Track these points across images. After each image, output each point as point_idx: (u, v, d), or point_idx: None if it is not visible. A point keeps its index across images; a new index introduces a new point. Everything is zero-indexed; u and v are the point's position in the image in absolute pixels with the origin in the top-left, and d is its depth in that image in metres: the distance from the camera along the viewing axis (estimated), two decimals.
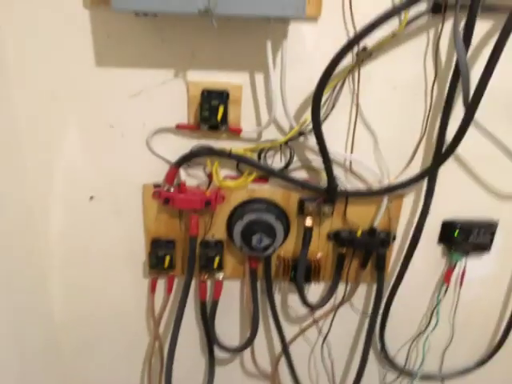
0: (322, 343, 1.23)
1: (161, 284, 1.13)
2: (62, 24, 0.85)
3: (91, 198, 1.01)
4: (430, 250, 1.15)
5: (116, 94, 0.92)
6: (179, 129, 0.95)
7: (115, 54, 0.88)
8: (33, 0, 0.83)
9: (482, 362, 1.32)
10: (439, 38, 0.90)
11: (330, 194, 0.99)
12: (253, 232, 0.98)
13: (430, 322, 1.22)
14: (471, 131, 0.92)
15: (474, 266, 1.17)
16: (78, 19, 0.85)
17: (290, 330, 1.22)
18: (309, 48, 0.90)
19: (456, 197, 1.09)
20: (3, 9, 0.83)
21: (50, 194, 1.01)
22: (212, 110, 0.89)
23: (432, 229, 1.12)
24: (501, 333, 1.26)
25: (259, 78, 0.92)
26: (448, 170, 1.04)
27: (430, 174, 0.99)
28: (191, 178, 1.01)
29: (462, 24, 0.85)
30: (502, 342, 1.26)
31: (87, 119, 0.94)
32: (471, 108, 0.84)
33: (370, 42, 0.89)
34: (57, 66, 0.89)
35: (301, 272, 1.04)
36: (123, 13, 0.76)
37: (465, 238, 1.10)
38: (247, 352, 1.24)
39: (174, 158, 0.97)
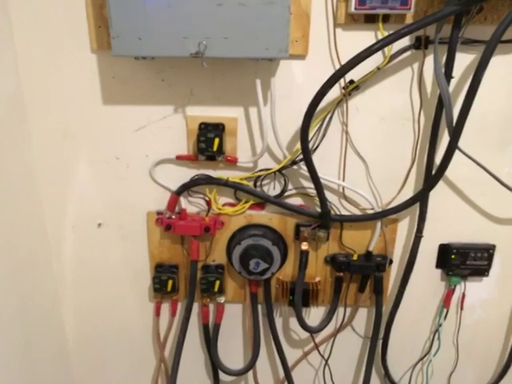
0: (324, 367, 1.24)
1: (166, 307, 1.18)
2: (72, 67, 0.94)
3: (99, 225, 1.08)
4: (428, 274, 1.16)
5: (121, 129, 1.00)
6: (179, 159, 1.01)
7: (120, 93, 0.97)
8: (46, 46, 0.92)
9: None
10: (422, 70, 0.94)
11: (324, 220, 1.03)
12: (250, 257, 1.02)
13: (431, 346, 1.23)
14: (462, 158, 0.96)
15: (474, 290, 1.18)
16: (86, 63, 0.94)
17: (293, 354, 1.25)
18: (299, 83, 0.96)
19: (453, 222, 1.11)
20: (23, 58, 0.93)
21: (63, 223, 1.09)
22: (208, 142, 0.95)
23: (430, 253, 1.14)
24: (506, 356, 1.24)
25: (253, 111, 0.99)
26: (443, 196, 1.07)
27: (421, 198, 1.02)
28: (192, 205, 1.07)
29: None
30: (508, 365, 1.25)
31: (95, 152, 1.02)
32: (455, 135, 0.88)
33: (356, 75, 0.94)
34: (68, 105, 0.97)
35: (298, 295, 1.07)
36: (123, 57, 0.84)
37: (462, 262, 1.12)
38: (251, 375, 1.27)
39: (175, 186, 1.03)
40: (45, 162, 1.02)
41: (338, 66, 0.92)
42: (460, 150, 0.94)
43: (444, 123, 0.94)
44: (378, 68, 0.93)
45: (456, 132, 0.88)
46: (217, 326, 1.17)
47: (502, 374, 1.27)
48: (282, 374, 1.25)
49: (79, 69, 0.94)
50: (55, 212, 1.07)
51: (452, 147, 0.90)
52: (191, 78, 0.95)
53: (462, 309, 1.19)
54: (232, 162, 1.01)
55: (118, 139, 1.01)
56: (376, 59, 0.92)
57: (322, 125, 0.99)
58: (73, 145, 1.01)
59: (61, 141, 1.00)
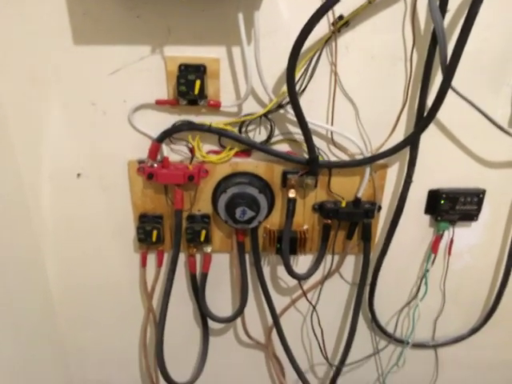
0: (312, 313, 1.25)
1: (152, 258, 1.16)
2: (37, 3, 0.86)
3: (78, 175, 1.04)
4: (417, 220, 1.15)
5: (95, 71, 0.93)
6: (159, 104, 0.95)
7: (92, 32, 0.89)
8: None
9: (475, 330, 1.33)
10: (415, 4, 0.88)
11: (312, 166, 1.00)
12: (236, 205, 0.99)
13: (418, 291, 1.24)
14: (455, 100, 0.92)
15: (463, 235, 1.18)
16: None
17: (281, 301, 1.25)
18: (284, 18, 0.89)
19: (442, 166, 1.09)
20: None
21: (39, 174, 1.04)
22: (189, 85, 0.89)
23: (419, 199, 1.12)
24: (492, 300, 1.26)
25: (236, 52, 0.92)
26: (433, 140, 1.04)
27: (411, 141, 0.99)
28: (175, 153, 1.02)
29: None
30: (494, 309, 1.27)
31: (69, 98, 0.96)
32: (449, 71, 0.83)
33: (345, 10, 0.88)
34: (35, 47, 0.90)
35: (285, 243, 1.05)
36: None
37: (451, 207, 1.10)
38: (240, 323, 1.28)
39: (156, 133, 0.98)
40: (15, 111, 0.96)
41: None
42: (453, 90, 0.90)
43: (437, 63, 0.89)
44: (369, 2, 0.87)
45: (450, 70, 0.83)
46: (204, 276, 1.16)
47: (487, 318, 1.29)
48: (270, 320, 1.26)
49: (45, 4, 0.86)
50: (31, 163, 1.02)
51: (445, 86, 0.85)
52: (168, 15, 0.88)
53: (449, 254, 1.19)
54: (215, 107, 0.96)
55: (92, 83, 0.94)
56: None
57: (309, 65, 0.93)
58: (43, 90, 0.94)
59: (30, 87, 0.93)
